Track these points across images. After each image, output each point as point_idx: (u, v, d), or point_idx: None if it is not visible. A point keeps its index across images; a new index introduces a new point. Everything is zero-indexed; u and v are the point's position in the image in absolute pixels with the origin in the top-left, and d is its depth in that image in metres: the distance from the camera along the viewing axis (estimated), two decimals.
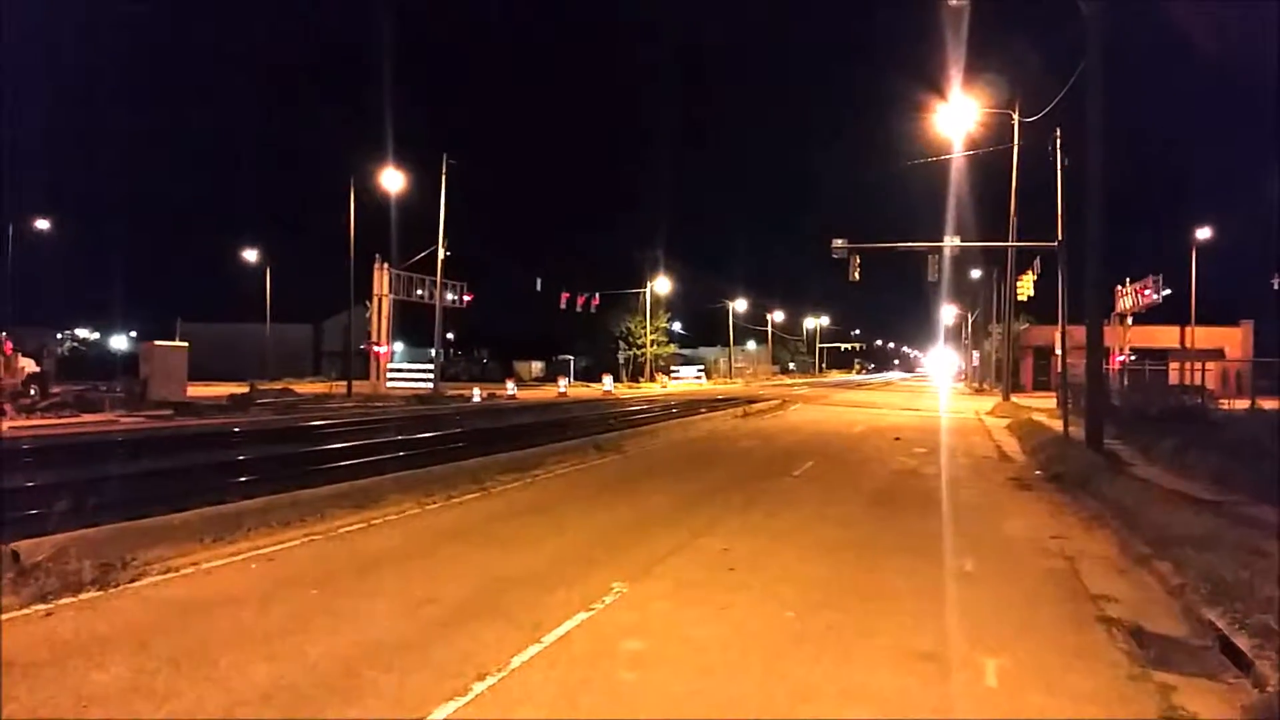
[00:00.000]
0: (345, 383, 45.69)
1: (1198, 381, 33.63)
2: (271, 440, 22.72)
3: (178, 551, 8.98)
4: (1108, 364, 34.06)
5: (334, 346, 74.07)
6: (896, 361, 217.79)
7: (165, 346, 36.26)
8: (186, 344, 37.80)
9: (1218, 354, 53.50)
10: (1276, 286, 48.68)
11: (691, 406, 39.60)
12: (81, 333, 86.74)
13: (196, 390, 36.83)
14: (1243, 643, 6.43)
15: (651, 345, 79.03)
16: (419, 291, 50.95)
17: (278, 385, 46.45)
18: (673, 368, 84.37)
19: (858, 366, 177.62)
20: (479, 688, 5.65)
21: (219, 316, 72.94)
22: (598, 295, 70.55)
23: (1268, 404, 26.14)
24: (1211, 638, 6.87)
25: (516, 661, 6.14)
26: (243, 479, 14.99)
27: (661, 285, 79.63)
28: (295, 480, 13.54)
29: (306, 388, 48.14)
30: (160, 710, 5.22)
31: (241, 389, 39.11)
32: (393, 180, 45.69)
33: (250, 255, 68.08)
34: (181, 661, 6.00)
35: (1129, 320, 43.52)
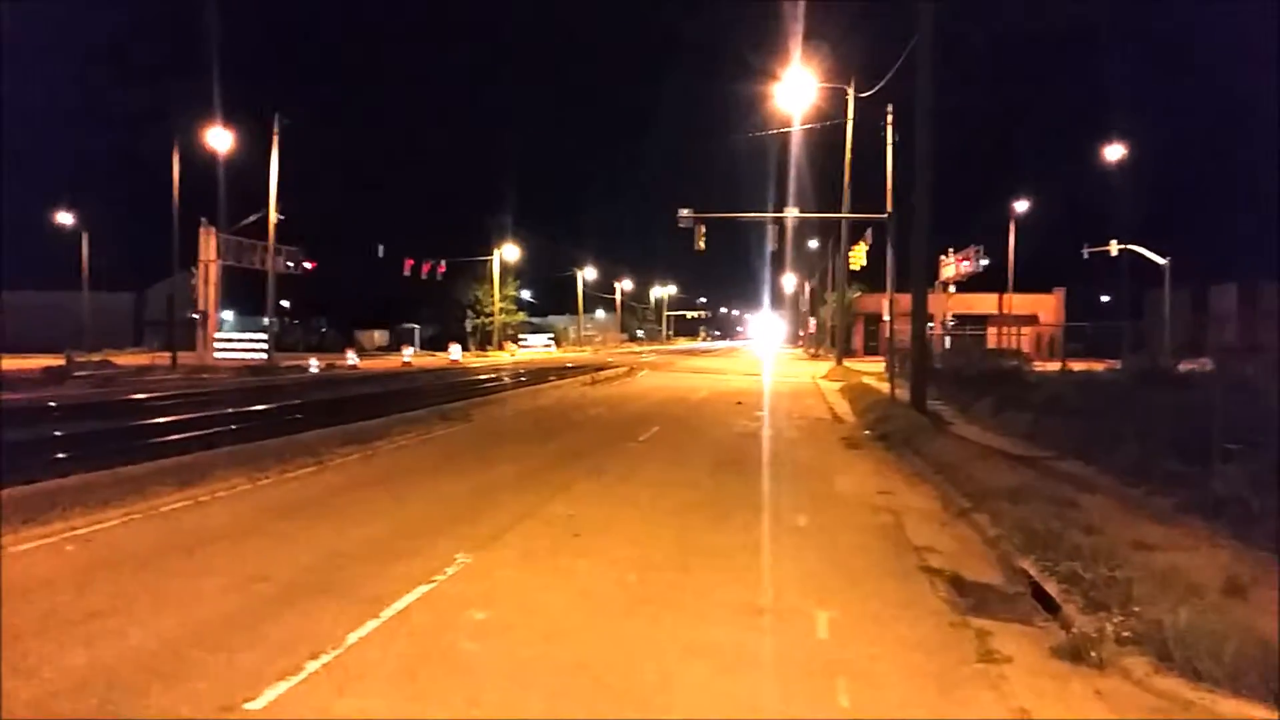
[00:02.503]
0: (170, 354, 43.29)
1: (1014, 345, 35.93)
2: (89, 415, 21.28)
3: None
4: (931, 330, 35.90)
5: (158, 316, 69.96)
6: (740, 329, 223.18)
7: None
8: None
9: (1033, 319, 57.32)
10: (1086, 256, 52.29)
11: (540, 375, 39.49)
12: None
13: (6, 363, 34.06)
14: (1052, 589, 6.92)
15: (500, 313, 78.17)
16: (251, 258, 48.55)
17: (96, 357, 43.53)
18: (522, 336, 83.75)
19: (703, 334, 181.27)
20: (312, 666, 5.48)
21: (31, 284, 67.55)
22: (444, 262, 69.15)
23: (1077, 365, 28.18)
24: (1024, 585, 7.36)
25: (353, 638, 5.98)
26: (57, 456, 14.00)
27: (510, 253, 78.81)
28: (114, 457, 12.75)
29: (128, 359, 45.35)
30: None
31: (57, 361, 36.42)
32: (220, 139, 43.31)
33: (66, 218, 63.34)
34: None
35: (952, 288, 45.98)
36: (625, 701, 5.10)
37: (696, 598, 7.08)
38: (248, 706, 4.91)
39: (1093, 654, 5.68)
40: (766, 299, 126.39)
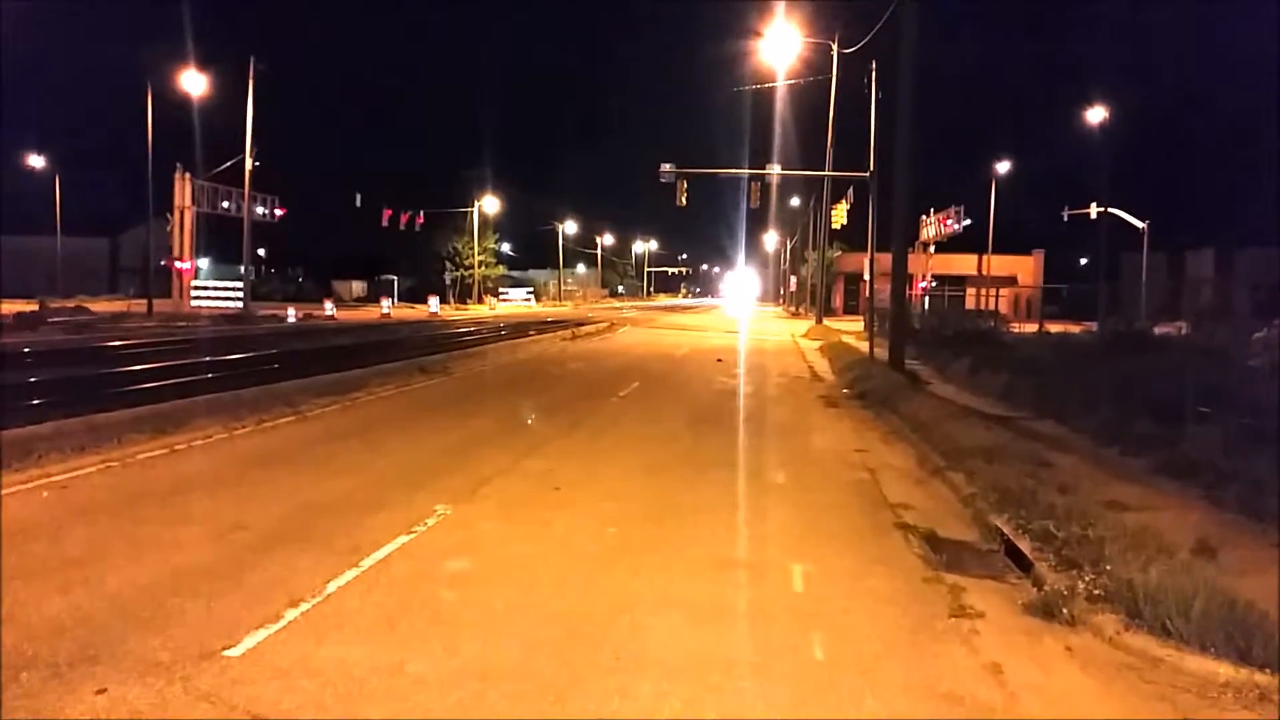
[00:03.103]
0: (145, 301, 42.83)
1: (992, 306, 36.08)
2: (64, 362, 21.05)
3: None
4: (911, 290, 36.02)
5: (133, 262, 69.10)
6: (722, 286, 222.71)
7: None
8: None
9: (1011, 281, 57.51)
10: (1066, 218, 52.43)
11: (520, 329, 39.38)
12: None
13: None
14: (1025, 546, 7.00)
15: (480, 266, 77.51)
16: (225, 204, 47.89)
17: (70, 303, 43.15)
18: (501, 290, 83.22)
19: (684, 290, 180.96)
20: (292, 614, 5.49)
21: (4, 228, 66.39)
22: (422, 213, 68.37)
23: (1054, 327, 28.36)
24: (998, 542, 7.45)
25: (332, 587, 5.98)
26: (32, 402, 13.86)
27: (490, 205, 77.93)
28: (90, 404, 12.64)
29: (103, 306, 44.92)
30: None
31: (30, 307, 36.01)
32: (195, 83, 42.47)
33: (37, 161, 62.28)
34: None
35: (932, 248, 46.04)
36: (600, 651, 5.14)
37: (673, 551, 7.12)
38: (227, 653, 4.91)
39: (1064, 611, 5.78)
40: (746, 257, 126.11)
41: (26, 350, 23.47)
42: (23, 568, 6.18)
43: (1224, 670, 4.93)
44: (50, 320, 32.74)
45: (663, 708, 4.52)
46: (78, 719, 4.20)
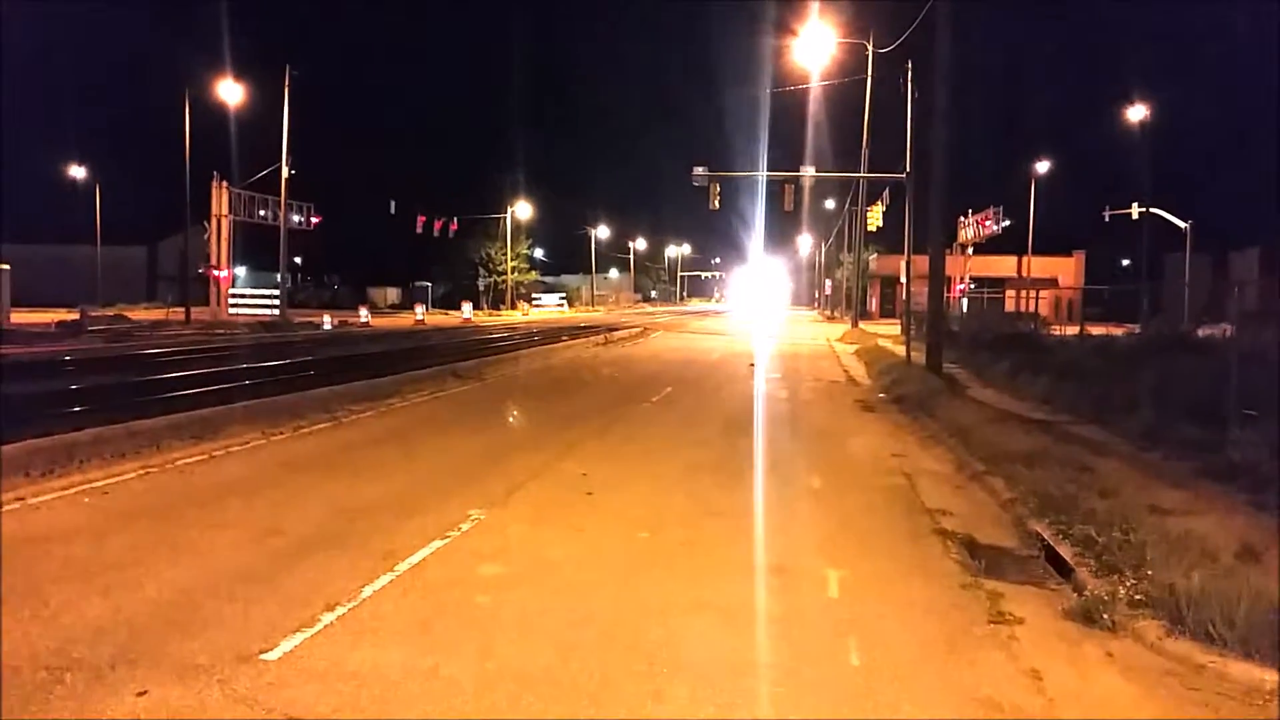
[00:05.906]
0: (183, 309, 43.46)
1: (1032, 309, 35.61)
2: (104, 369, 21.42)
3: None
4: (949, 292, 35.66)
5: (171, 270, 70.10)
6: (755, 290, 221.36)
7: None
8: (7, 266, 35.09)
9: (1052, 282, 56.77)
10: (1107, 218, 51.65)
11: (553, 334, 39.50)
12: None
13: (21, 317, 34.47)
14: (1066, 552, 6.89)
15: (513, 272, 77.78)
16: (262, 212, 48.44)
17: (110, 311, 43.91)
18: (534, 295, 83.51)
19: (717, 295, 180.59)
20: (328, 618, 5.53)
21: (45, 238, 67.72)
22: (456, 220, 68.81)
23: (1095, 329, 27.92)
24: (1038, 548, 7.34)
25: (368, 591, 6.03)
26: (73, 409, 14.09)
27: (523, 210, 78.25)
28: (130, 411, 12.82)
29: (142, 314, 45.65)
30: None
31: (71, 315, 36.66)
32: (231, 92, 43.07)
33: (78, 172, 63.45)
34: (5, 600, 5.63)
35: (970, 250, 45.58)
36: (634, 655, 5.13)
37: (708, 556, 7.10)
38: (264, 657, 4.96)
39: (1105, 616, 5.68)
40: (777, 260, 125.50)
41: (68, 358, 23.89)
42: (65, 571, 6.28)
43: (1270, 677, 4.82)
44: (90, 328, 33.30)
45: (697, 712, 4.50)
46: (120, 719, 4.27)
